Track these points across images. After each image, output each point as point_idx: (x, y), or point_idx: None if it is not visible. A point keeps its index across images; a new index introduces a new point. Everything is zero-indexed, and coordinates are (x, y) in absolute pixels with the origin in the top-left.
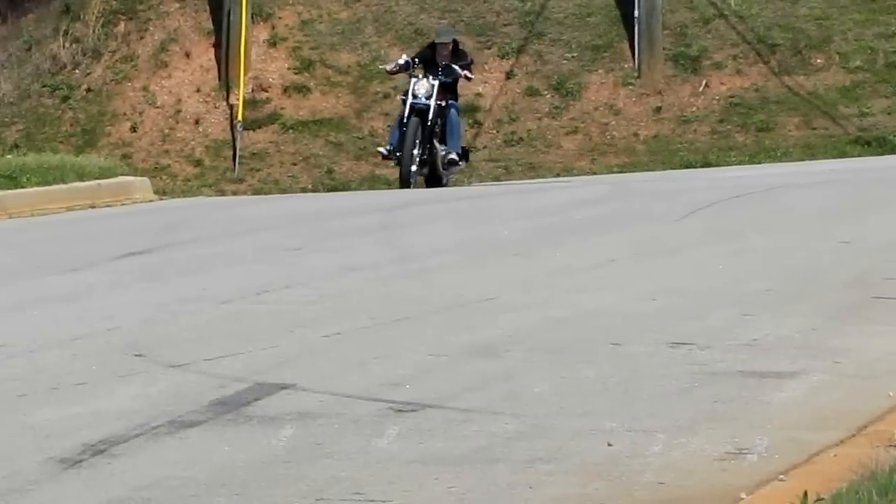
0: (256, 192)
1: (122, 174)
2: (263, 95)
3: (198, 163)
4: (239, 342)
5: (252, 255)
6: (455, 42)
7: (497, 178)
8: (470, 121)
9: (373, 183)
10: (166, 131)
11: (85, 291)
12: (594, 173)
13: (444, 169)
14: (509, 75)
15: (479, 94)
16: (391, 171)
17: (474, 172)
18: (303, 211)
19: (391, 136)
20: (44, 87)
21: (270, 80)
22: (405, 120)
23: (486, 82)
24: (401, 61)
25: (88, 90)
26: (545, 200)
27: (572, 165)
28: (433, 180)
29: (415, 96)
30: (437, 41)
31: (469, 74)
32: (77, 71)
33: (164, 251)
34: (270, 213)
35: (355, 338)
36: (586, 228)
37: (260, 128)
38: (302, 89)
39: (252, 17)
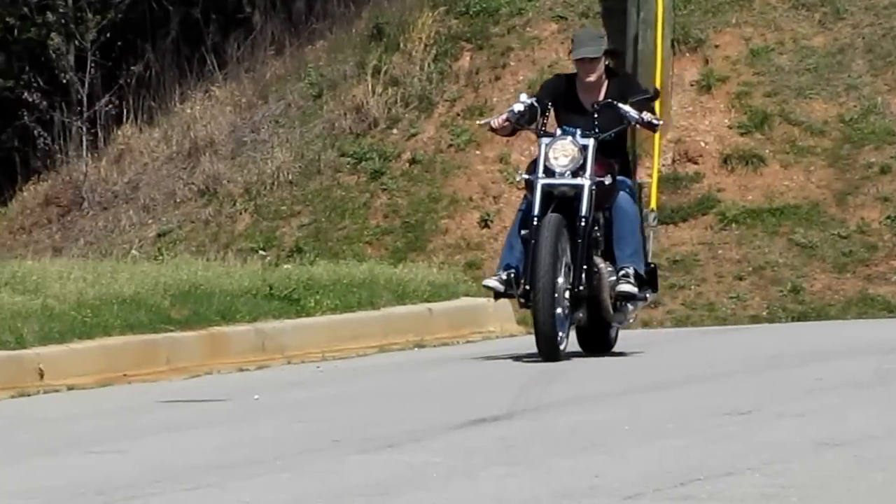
0: (679, 321)
1: (468, 294)
2: (691, 169)
3: None
4: None
5: (670, 422)
6: (610, 55)
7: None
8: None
9: (864, 307)
10: None
11: (407, 481)
12: None
13: (615, 309)
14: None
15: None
16: (892, 290)
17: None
18: (753, 352)
19: (506, 254)
20: (342, 156)
21: (702, 144)
22: (535, 219)
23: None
24: (518, 106)
25: (412, 161)
26: None
27: None
28: (593, 335)
29: (550, 172)
30: (576, 57)
31: (654, 119)
32: (395, 131)
33: (531, 416)
34: (701, 355)
35: None
36: None
37: (685, 220)
38: (752, 160)
39: (673, 46)
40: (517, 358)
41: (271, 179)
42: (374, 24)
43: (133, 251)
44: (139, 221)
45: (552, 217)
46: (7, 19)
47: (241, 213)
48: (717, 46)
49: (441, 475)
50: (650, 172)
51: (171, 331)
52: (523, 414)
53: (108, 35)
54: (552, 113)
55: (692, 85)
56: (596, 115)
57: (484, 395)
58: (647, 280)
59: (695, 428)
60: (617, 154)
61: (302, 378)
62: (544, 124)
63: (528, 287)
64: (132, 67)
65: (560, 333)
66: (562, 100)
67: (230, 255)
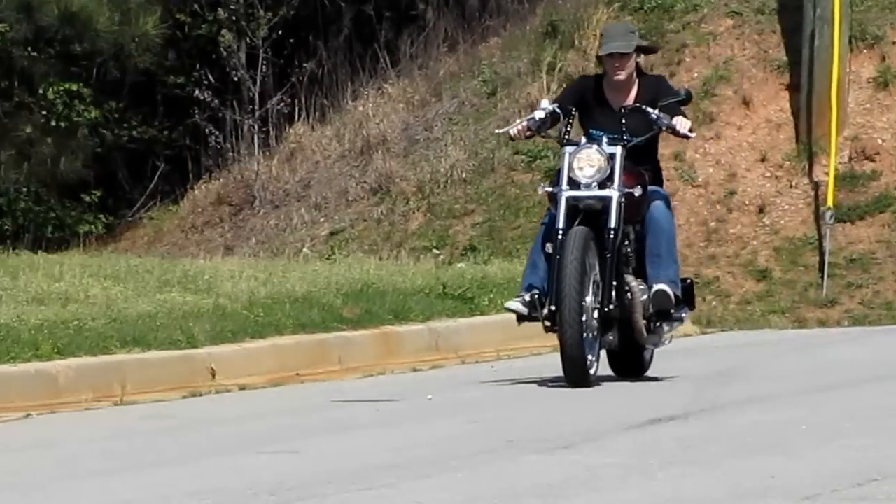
0: (857, 321)
1: None
2: (868, 167)
3: (762, 275)
4: None
5: (847, 422)
6: (643, 51)
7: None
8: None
9: None
10: (711, 224)
11: (582, 482)
12: None
13: (648, 331)
14: None
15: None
16: None
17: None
18: None
19: (528, 273)
20: (516, 154)
21: (879, 141)
22: (560, 233)
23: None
24: (539, 113)
25: None
26: None
27: None
28: (626, 358)
29: (575, 183)
30: (604, 52)
31: (686, 128)
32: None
33: (707, 416)
34: (880, 355)
35: None
36: None
37: (862, 219)
38: None
39: (850, 42)
40: (542, 382)
41: (445, 178)
42: (549, 21)
43: (305, 250)
44: (311, 220)
45: (578, 230)
46: (178, 16)
47: (414, 212)
48: (894, 43)
49: (617, 476)
50: (826, 170)
51: (344, 330)
52: (700, 414)
53: (280, 32)
54: (577, 118)
55: (869, 82)
56: (623, 120)
57: (660, 394)
58: (684, 297)
59: (872, 428)
60: (648, 161)
61: (475, 377)
62: (567, 132)
63: (552, 308)
64: (304, 65)
65: (589, 357)
66: (588, 101)
67: (403, 253)
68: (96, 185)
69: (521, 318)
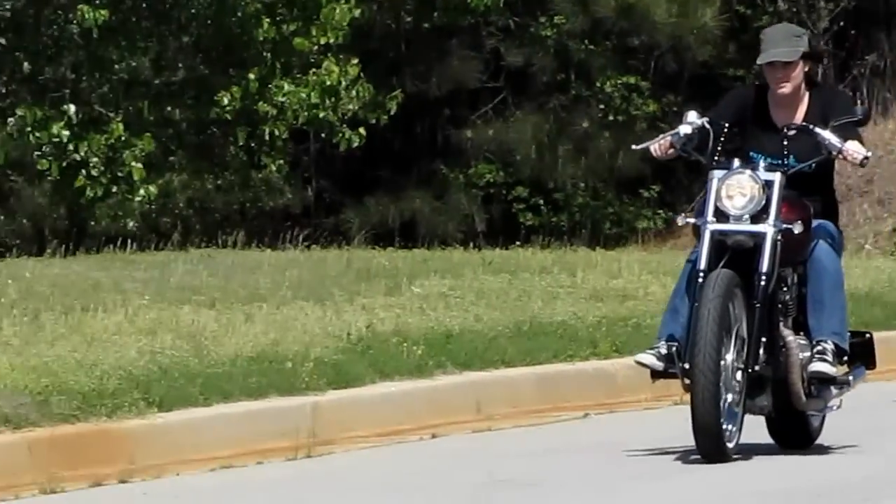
0: None
1: None
2: None
3: None
4: None
5: None
6: (812, 58)
7: None
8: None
9: None
10: None
11: None
12: None
13: (808, 395)
14: None
15: None
16: None
17: None
18: None
19: (668, 320)
20: None
21: None
22: (701, 275)
23: None
24: (685, 129)
25: None
26: None
27: None
28: (787, 425)
29: (723, 215)
30: (763, 60)
31: (858, 155)
32: None
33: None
34: None
35: None
36: None
37: None
38: None
39: None
40: (666, 452)
41: None
42: None
43: (867, 246)
44: (874, 216)
45: (721, 273)
46: (737, 8)
47: None
48: None
49: None
50: None
51: None
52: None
53: (841, 23)
54: (736, 135)
55: None
56: (786, 142)
57: (823, 471)
58: (860, 353)
59: None
60: (818, 192)
61: None
62: (718, 152)
63: (685, 364)
64: (866, 57)
65: (728, 427)
66: (749, 117)
67: None
68: (654, 180)
69: (655, 375)
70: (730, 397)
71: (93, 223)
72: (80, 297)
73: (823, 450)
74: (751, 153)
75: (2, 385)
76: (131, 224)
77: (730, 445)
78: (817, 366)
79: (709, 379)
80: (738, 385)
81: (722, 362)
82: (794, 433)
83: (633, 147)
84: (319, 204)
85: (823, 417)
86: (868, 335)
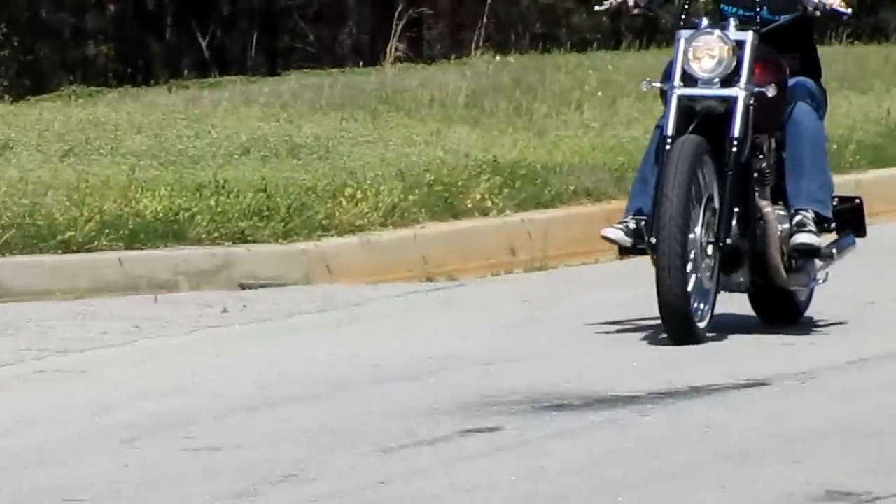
0: None
1: None
2: None
3: None
4: None
5: None
6: None
7: None
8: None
9: None
10: None
11: None
12: None
13: (790, 269)
14: None
15: None
16: None
17: None
18: None
19: (636, 193)
20: None
21: None
22: (667, 144)
23: None
24: None
25: None
26: None
27: None
28: (770, 300)
29: (690, 78)
30: None
31: (839, 5)
32: None
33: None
34: None
35: None
36: None
37: None
38: None
39: None
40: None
41: None
42: None
43: None
44: None
45: (687, 139)
46: None
47: None
48: None
49: None
50: None
51: None
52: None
53: None
54: None
55: None
56: None
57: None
58: (850, 221)
59: None
60: (796, 47)
61: None
62: (686, 10)
63: (652, 237)
64: None
65: (700, 305)
66: None
67: None
68: None
69: (623, 251)
70: (700, 274)
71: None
72: None
73: (809, 327)
74: (722, 6)
75: (583, 162)
76: None
77: (701, 325)
78: (800, 237)
79: (675, 253)
80: (710, 260)
81: (691, 236)
82: (778, 309)
83: (596, 8)
84: (862, 4)
85: (812, 290)
86: (857, 200)
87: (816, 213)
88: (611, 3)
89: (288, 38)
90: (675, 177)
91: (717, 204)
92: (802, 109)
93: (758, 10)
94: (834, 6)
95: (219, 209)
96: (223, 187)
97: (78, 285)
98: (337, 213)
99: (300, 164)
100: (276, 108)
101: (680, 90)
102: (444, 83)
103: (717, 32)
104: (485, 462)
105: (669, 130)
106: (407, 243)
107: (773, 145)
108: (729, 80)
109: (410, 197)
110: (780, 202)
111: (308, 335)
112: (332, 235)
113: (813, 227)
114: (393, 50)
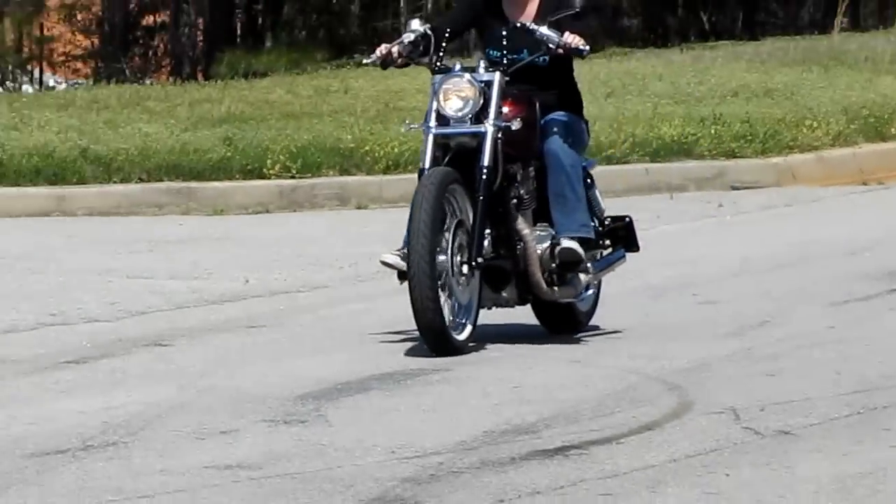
0: None
1: None
2: None
3: None
4: None
5: None
6: None
7: None
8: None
9: None
10: None
11: None
12: None
13: (552, 283)
14: None
15: None
16: None
17: None
18: None
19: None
20: None
21: None
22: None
23: None
24: (407, 37)
25: None
26: None
27: None
28: (550, 310)
29: (444, 118)
30: None
31: (580, 43)
32: None
33: None
34: None
35: None
36: None
37: None
38: None
39: None
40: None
41: None
42: None
43: None
44: None
45: (436, 171)
46: None
47: None
48: None
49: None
50: None
51: None
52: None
53: None
54: (477, 36)
55: None
56: (505, 42)
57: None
58: (624, 238)
59: None
60: (555, 85)
61: None
62: (440, 58)
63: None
64: None
65: (457, 319)
66: (485, 17)
67: None
68: None
69: (402, 275)
70: (455, 292)
71: None
72: None
73: (587, 335)
74: (488, 50)
75: None
76: None
77: (461, 337)
78: (564, 243)
79: (424, 273)
80: (465, 279)
81: (441, 258)
82: (558, 319)
83: (364, 62)
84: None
85: (595, 299)
86: (628, 219)
87: (580, 238)
88: (377, 57)
89: (763, 14)
90: (422, 205)
91: (470, 227)
92: (555, 143)
93: (514, 55)
94: (572, 45)
95: (716, 134)
96: (719, 119)
97: (616, 188)
98: (799, 137)
99: (773, 102)
100: (756, 63)
101: (436, 130)
102: (875, 46)
103: (467, 76)
104: None
105: (427, 165)
106: (848, 159)
107: (532, 173)
108: (480, 117)
109: (851, 126)
110: (547, 223)
111: (779, 222)
112: (796, 153)
113: (575, 246)
114: (839, 22)
